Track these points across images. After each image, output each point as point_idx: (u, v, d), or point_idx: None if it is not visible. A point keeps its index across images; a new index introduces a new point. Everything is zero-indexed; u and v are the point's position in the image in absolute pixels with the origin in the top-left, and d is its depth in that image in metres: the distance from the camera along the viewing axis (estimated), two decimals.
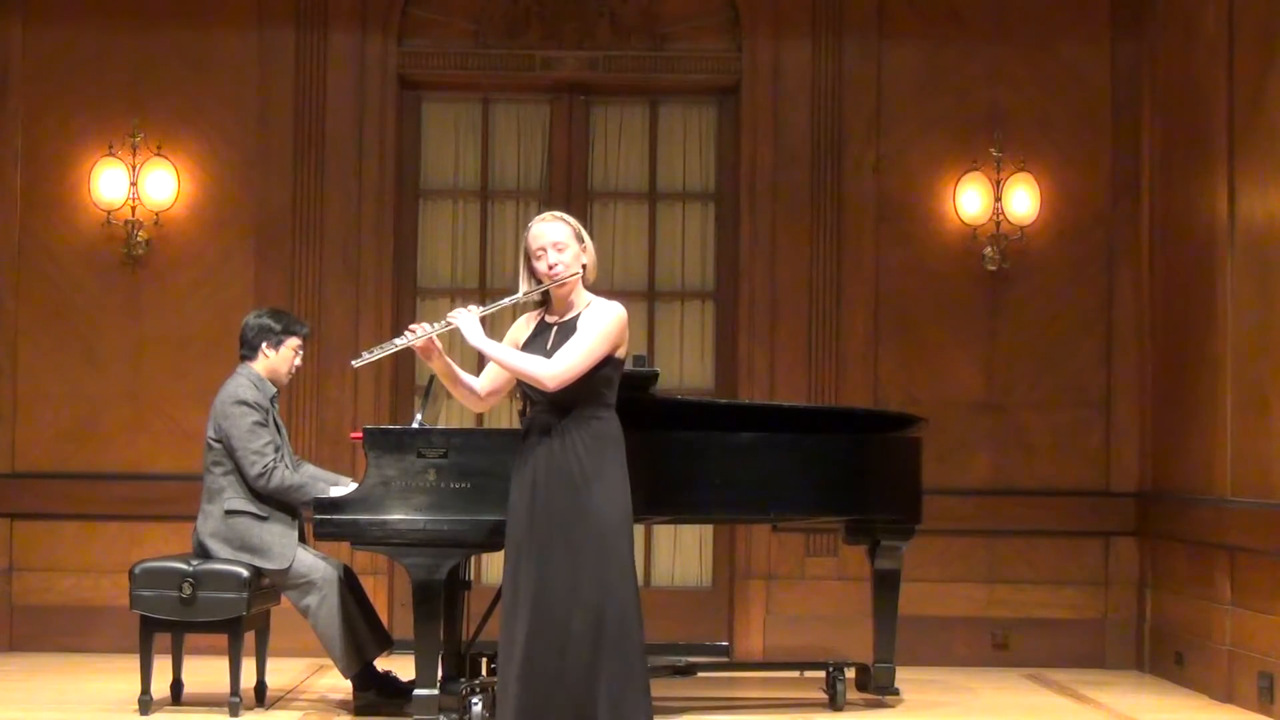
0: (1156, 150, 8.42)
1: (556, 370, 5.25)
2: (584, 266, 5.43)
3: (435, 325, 5.45)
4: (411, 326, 5.48)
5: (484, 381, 5.55)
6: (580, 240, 5.44)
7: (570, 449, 5.26)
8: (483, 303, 5.57)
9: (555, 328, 5.41)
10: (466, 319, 5.38)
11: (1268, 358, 7.06)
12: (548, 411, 5.33)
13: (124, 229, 8.44)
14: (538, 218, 5.50)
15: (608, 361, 5.34)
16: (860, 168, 8.61)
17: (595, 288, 5.53)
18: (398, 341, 5.48)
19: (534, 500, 5.28)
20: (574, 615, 5.17)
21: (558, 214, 5.51)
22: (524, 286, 5.46)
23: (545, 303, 5.51)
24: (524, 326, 5.53)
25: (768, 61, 8.65)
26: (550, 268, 5.37)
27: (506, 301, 5.55)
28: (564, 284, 5.39)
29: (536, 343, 5.40)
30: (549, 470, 5.27)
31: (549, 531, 5.23)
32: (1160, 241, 8.36)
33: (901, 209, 8.63)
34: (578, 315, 5.39)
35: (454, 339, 5.53)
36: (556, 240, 5.39)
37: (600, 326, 5.33)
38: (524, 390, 5.44)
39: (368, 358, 5.56)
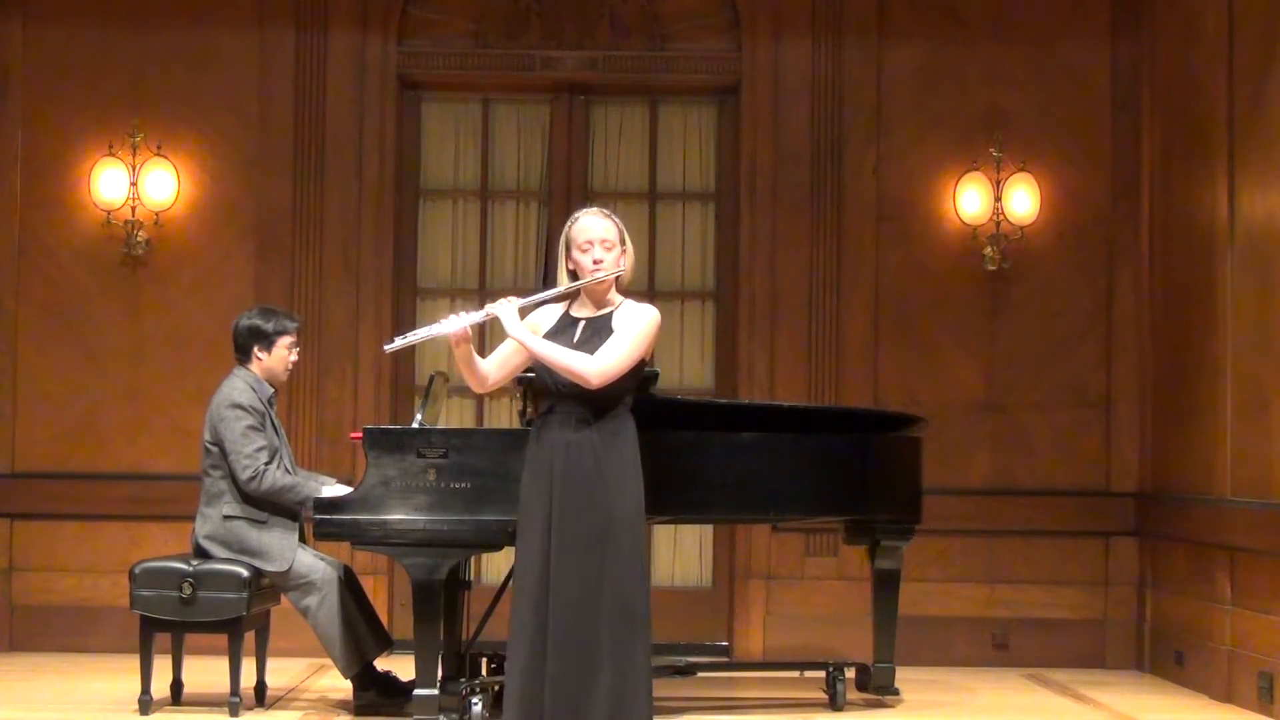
0: (1156, 150, 8.42)
1: (601, 368, 5.24)
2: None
3: (474, 315, 5.43)
4: (450, 315, 5.44)
5: (492, 366, 5.53)
6: (623, 242, 5.44)
7: (591, 447, 5.26)
8: (521, 298, 5.50)
9: (583, 322, 5.41)
10: (507, 310, 5.35)
11: (1268, 358, 7.06)
12: (568, 408, 5.32)
13: (124, 229, 8.44)
14: (585, 211, 5.49)
15: (637, 365, 5.35)
16: (860, 168, 8.62)
17: None
18: (433, 329, 5.45)
19: (551, 496, 5.28)
20: (588, 610, 5.18)
21: (605, 211, 5.49)
22: (563, 277, 5.45)
23: (574, 295, 5.50)
24: (547, 315, 5.52)
25: (768, 61, 8.65)
26: (596, 263, 5.37)
27: (547, 295, 5.52)
28: (603, 281, 5.39)
29: (562, 336, 5.39)
30: (568, 467, 5.26)
31: (566, 527, 5.23)
32: (1160, 241, 8.36)
33: (901, 209, 8.63)
34: (609, 314, 5.39)
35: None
36: (605, 238, 5.38)
37: (639, 328, 5.33)
38: (547, 383, 5.39)
39: (401, 343, 5.53)
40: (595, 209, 5.51)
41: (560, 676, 5.16)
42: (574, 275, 5.42)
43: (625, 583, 5.22)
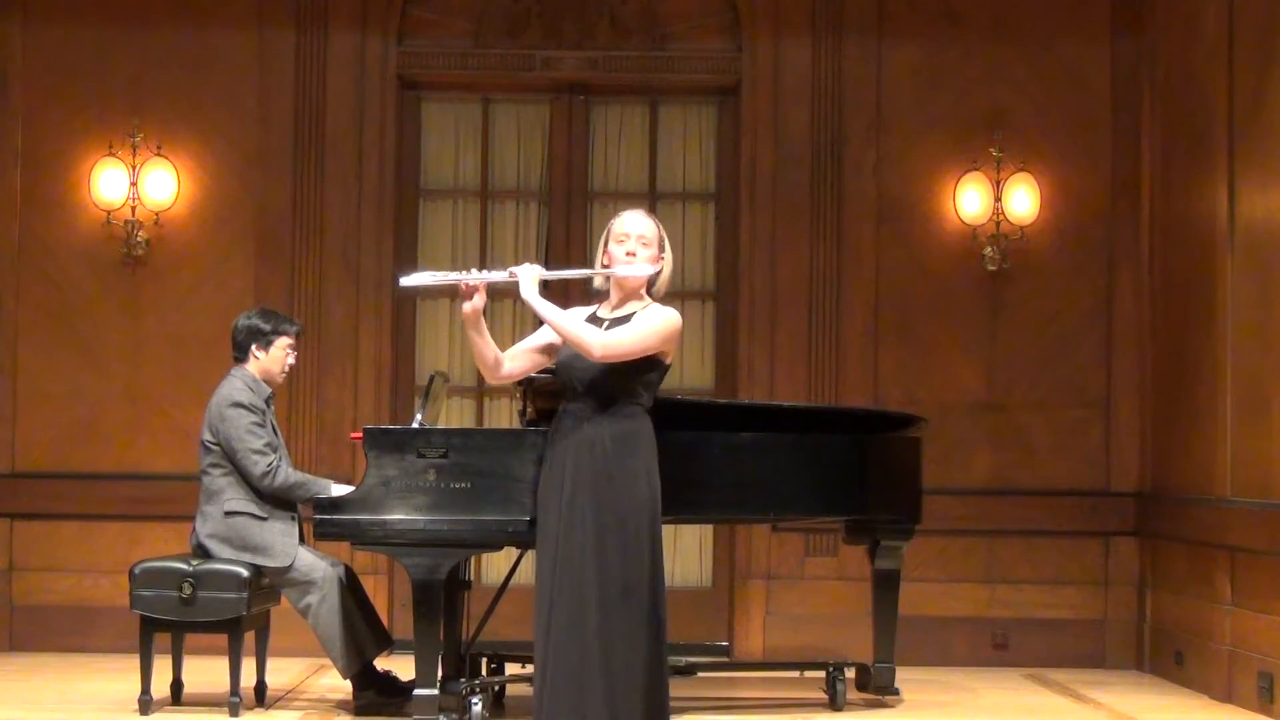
0: (1156, 150, 8.42)
1: (607, 340, 5.24)
2: (656, 274, 5.43)
3: (496, 273, 5.45)
4: (471, 270, 5.46)
5: (513, 352, 5.50)
6: (662, 248, 5.44)
7: (603, 445, 5.25)
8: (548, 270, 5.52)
9: (607, 322, 5.40)
10: (528, 274, 5.36)
11: (1268, 358, 7.06)
12: (584, 406, 5.31)
13: (124, 229, 8.44)
14: (633, 210, 5.51)
15: (653, 363, 5.34)
16: (860, 168, 8.62)
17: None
18: (452, 275, 5.47)
19: (562, 494, 5.27)
20: (588, 605, 5.18)
21: (651, 214, 5.51)
22: (597, 267, 5.46)
23: (602, 295, 5.50)
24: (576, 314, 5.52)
25: (768, 61, 8.65)
26: (629, 255, 5.37)
27: (572, 273, 5.54)
28: (629, 278, 5.38)
29: None
30: (578, 465, 5.26)
31: (573, 525, 5.23)
32: (1160, 241, 8.36)
33: (901, 209, 8.63)
34: (632, 314, 5.39)
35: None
36: (644, 234, 5.40)
37: (655, 322, 5.34)
38: (565, 381, 5.38)
39: (417, 280, 5.59)
40: (642, 210, 5.54)
41: (581, 674, 5.16)
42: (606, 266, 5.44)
43: (644, 580, 5.23)
